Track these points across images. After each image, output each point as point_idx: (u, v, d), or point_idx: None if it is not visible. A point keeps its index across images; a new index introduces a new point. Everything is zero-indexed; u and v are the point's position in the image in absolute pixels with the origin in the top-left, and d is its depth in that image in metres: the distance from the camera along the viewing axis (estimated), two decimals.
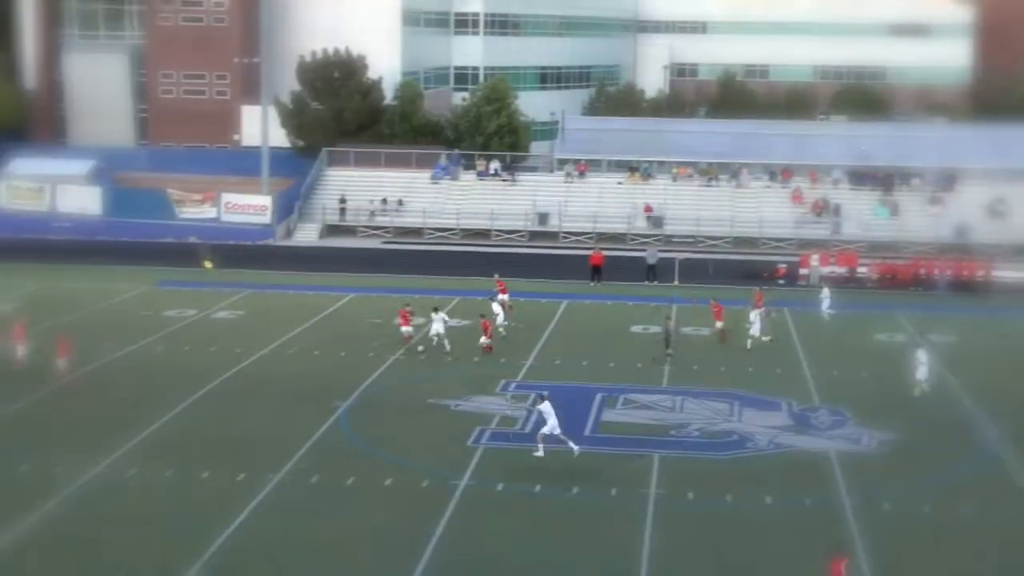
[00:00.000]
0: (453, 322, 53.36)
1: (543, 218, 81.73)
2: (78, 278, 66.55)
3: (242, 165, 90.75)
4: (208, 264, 69.64)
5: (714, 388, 45.87)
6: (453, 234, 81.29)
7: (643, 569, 29.76)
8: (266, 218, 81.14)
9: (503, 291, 57.17)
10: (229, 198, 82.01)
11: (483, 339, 50.60)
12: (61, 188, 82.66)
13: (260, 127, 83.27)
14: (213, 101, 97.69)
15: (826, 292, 59.26)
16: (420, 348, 50.73)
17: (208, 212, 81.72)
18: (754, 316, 52.51)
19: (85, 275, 67.52)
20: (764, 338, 52.44)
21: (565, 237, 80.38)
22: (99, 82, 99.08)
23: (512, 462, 37.42)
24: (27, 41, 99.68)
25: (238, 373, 47.28)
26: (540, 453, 37.77)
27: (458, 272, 69.36)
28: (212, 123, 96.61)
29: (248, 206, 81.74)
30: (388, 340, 52.03)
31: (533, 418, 41.51)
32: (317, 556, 30.18)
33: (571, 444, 37.82)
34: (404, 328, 51.33)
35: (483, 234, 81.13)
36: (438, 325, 50.65)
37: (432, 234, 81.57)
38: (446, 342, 50.24)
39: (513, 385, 46.17)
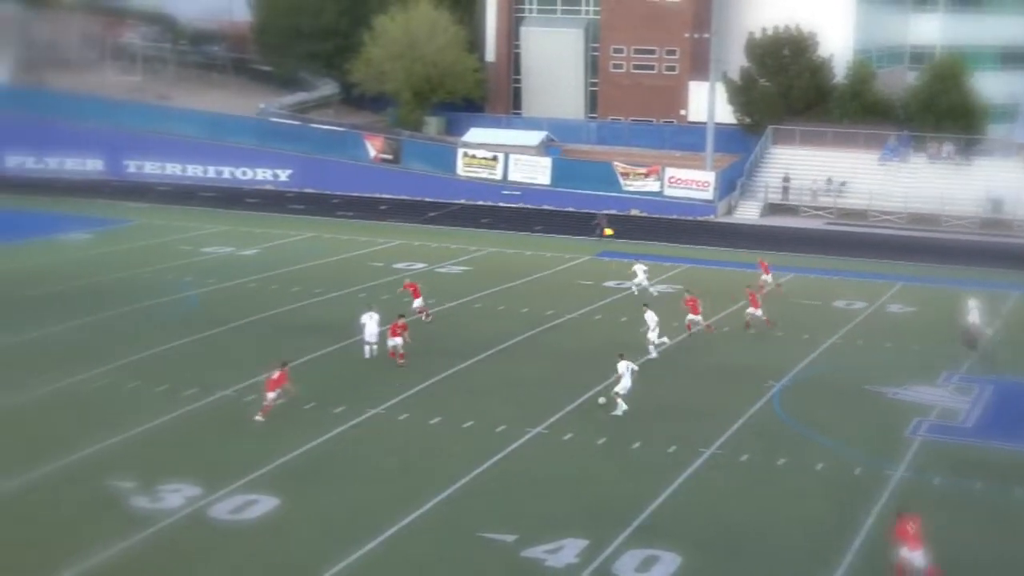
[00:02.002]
0: (897, 306, 51.77)
1: (997, 205, 78.04)
2: (524, 245, 68.91)
3: (687, 140, 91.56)
4: (608, 231, 70.89)
5: None
6: (899, 218, 78.92)
7: None
8: (708, 194, 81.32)
9: (766, 270, 56.87)
10: (672, 173, 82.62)
11: (750, 309, 49.89)
12: (513, 158, 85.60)
13: (707, 103, 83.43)
14: (662, 76, 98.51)
15: None
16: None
17: (651, 186, 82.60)
18: None
19: (530, 242, 69.85)
20: None
21: (1021, 226, 76.45)
22: (554, 56, 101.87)
23: (953, 456, 36.03)
24: (489, 16, 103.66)
25: (673, 347, 47.61)
26: (619, 412, 38.34)
27: (903, 257, 67.34)
28: (659, 98, 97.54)
29: (691, 181, 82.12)
30: (823, 322, 51.19)
31: (975, 412, 39.92)
32: (743, 535, 29.98)
33: (623, 406, 38.50)
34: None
35: (931, 220, 78.29)
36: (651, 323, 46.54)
37: (877, 217, 79.47)
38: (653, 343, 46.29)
39: (956, 376, 44.37)
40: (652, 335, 45.73)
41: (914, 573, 26.66)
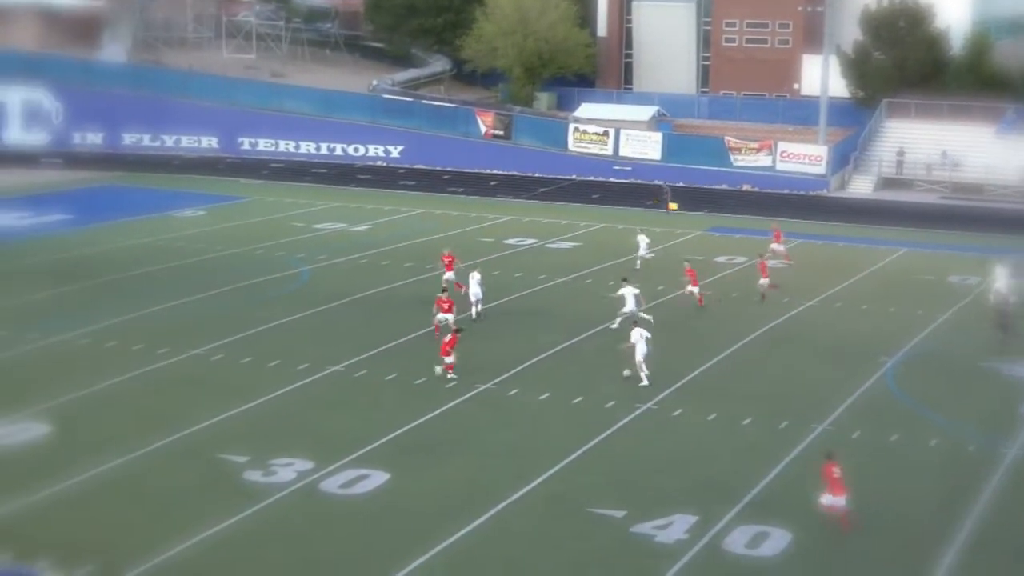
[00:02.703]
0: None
1: None
2: (637, 220, 68.54)
3: (799, 115, 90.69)
4: (673, 205, 70.51)
5: None
6: (1016, 192, 77.33)
7: None
8: (821, 168, 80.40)
9: (778, 239, 56.24)
10: (784, 147, 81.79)
11: (762, 280, 49.73)
12: (624, 133, 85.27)
13: (820, 76, 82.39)
14: (774, 50, 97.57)
15: None
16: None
17: (763, 161, 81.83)
18: None
19: (643, 218, 69.53)
20: None
21: None
22: (665, 31, 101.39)
23: None
24: None
25: (784, 322, 47.27)
26: (645, 383, 38.43)
27: (1019, 232, 65.97)
28: (772, 72, 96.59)
29: (803, 156, 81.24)
30: (937, 297, 50.46)
31: None
32: (854, 511, 29.67)
33: (645, 378, 38.51)
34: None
35: None
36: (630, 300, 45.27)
37: (993, 191, 77.96)
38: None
39: None
40: (627, 311, 44.46)
41: (834, 516, 28.29)
